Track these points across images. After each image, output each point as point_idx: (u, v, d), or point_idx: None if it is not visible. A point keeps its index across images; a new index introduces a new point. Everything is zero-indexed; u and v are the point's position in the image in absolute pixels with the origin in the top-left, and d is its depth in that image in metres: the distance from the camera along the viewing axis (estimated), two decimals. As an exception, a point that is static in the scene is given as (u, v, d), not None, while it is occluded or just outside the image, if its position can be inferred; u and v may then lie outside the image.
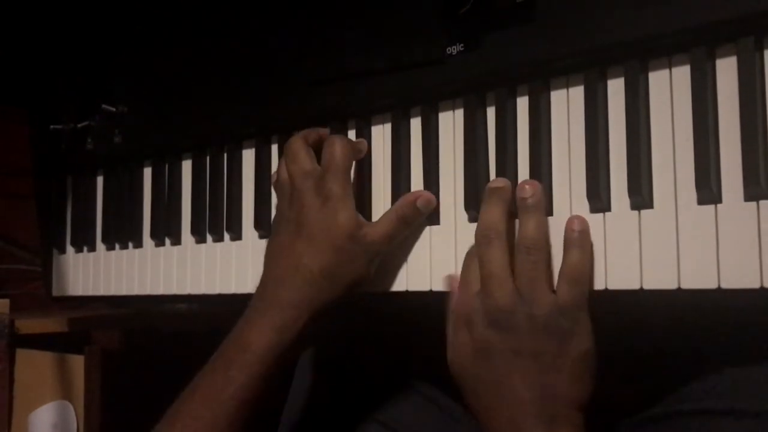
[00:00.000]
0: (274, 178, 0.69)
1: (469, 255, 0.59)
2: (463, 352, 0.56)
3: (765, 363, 0.56)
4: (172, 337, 1.06)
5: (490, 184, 0.58)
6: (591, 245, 0.54)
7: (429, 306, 0.64)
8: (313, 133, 0.69)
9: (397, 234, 0.63)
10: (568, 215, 0.56)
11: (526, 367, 0.52)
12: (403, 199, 0.64)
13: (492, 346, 0.54)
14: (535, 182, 0.56)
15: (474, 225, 0.61)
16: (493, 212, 0.56)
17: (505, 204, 0.56)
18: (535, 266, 0.53)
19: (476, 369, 0.55)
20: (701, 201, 0.51)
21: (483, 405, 0.55)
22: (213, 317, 0.71)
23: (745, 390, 0.56)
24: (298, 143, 0.67)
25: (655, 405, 0.61)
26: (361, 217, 0.64)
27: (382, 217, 0.64)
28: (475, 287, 0.56)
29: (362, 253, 0.63)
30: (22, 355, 1.03)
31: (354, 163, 0.67)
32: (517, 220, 0.57)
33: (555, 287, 0.54)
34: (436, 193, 0.64)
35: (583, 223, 0.54)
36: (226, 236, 0.80)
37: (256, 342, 0.62)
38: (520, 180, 0.59)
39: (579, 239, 0.54)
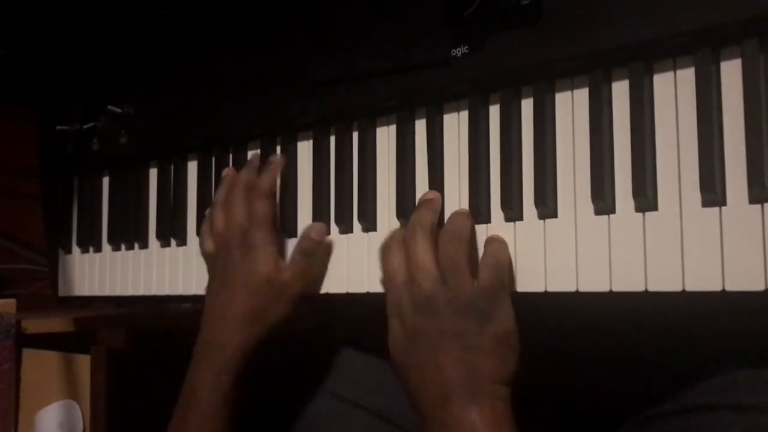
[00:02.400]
0: (206, 224, 0.76)
1: (386, 248, 0.63)
2: (396, 341, 0.60)
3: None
4: (178, 337, 1.06)
5: (424, 196, 0.63)
6: (505, 240, 0.59)
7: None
8: (252, 174, 0.75)
9: (305, 268, 0.70)
10: (573, 217, 0.57)
11: (450, 347, 0.56)
12: (302, 236, 0.71)
13: (420, 331, 0.58)
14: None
15: (477, 227, 0.62)
16: (421, 214, 0.61)
17: (431, 212, 0.62)
18: (456, 254, 0.57)
19: (408, 353, 0.59)
20: (706, 203, 0.51)
21: (414, 385, 0.59)
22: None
23: (750, 386, 0.56)
24: (237, 195, 0.73)
25: (659, 402, 0.62)
26: (282, 263, 0.71)
27: (290, 257, 0.71)
28: (399, 276, 0.60)
29: (281, 293, 0.69)
30: (29, 355, 1.04)
31: (357, 163, 0.71)
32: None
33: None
34: (441, 194, 0.64)
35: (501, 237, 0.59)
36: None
37: (199, 385, 0.70)
38: (525, 183, 0.59)
39: (497, 240, 0.59)
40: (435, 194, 0.63)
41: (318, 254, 0.70)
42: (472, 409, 0.55)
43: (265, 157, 0.77)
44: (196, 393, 0.70)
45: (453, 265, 0.57)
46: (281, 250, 0.73)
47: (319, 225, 0.71)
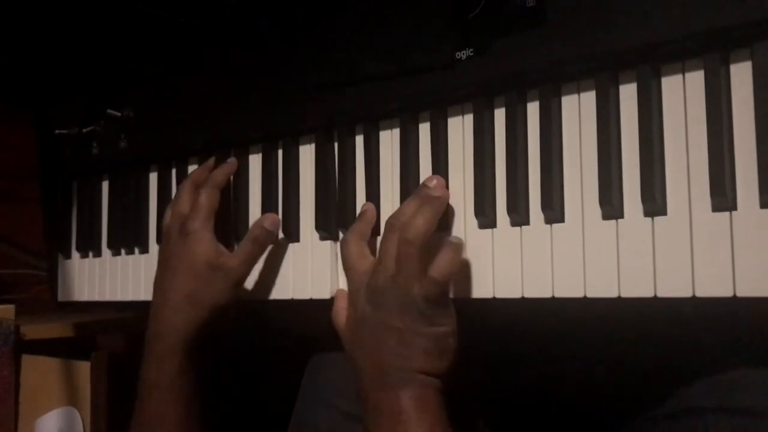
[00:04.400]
0: (164, 221, 0.78)
1: (350, 242, 0.66)
2: (348, 321, 0.65)
3: (762, 364, 0.57)
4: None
5: (426, 182, 0.63)
6: (461, 254, 0.60)
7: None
8: (203, 172, 0.79)
9: (253, 256, 0.73)
10: (581, 222, 0.56)
11: (388, 337, 0.60)
12: (254, 224, 0.74)
13: (366, 318, 0.62)
14: (442, 181, 0.63)
15: (483, 231, 0.61)
16: (409, 206, 0.62)
17: (418, 201, 0.62)
18: (408, 258, 0.59)
19: (354, 335, 0.63)
20: (716, 208, 0.50)
21: (357, 367, 0.62)
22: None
23: (741, 389, 0.57)
24: (185, 187, 0.77)
25: (654, 406, 0.62)
26: (221, 247, 0.73)
27: (240, 243, 0.74)
28: (362, 268, 0.64)
29: (222, 277, 0.71)
30: (28, 361, 1.03)
31: (364, 167, 0.70)
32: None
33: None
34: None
35: (460, 239, 0.61)
36: (234, 241, 0.80)
37: (146, 372, 0.73)
38: (531, 187, 0.59)
39: (454, 245, 0.59)
40: (442, 191, 0.64)
41: (267, 245, 0.73)
42: (400, 394, 0.58)
43: (267, 162, 0.77)
44: (145, 384, 0.72)
45: (405, 267, 0.59)
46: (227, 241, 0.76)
47: (273, 216, 0.74)
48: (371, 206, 0.68)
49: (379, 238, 0.64)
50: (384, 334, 0.60)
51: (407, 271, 0.59)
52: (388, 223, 0.63)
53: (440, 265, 0.58)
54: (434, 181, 0.63)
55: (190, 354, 0.71)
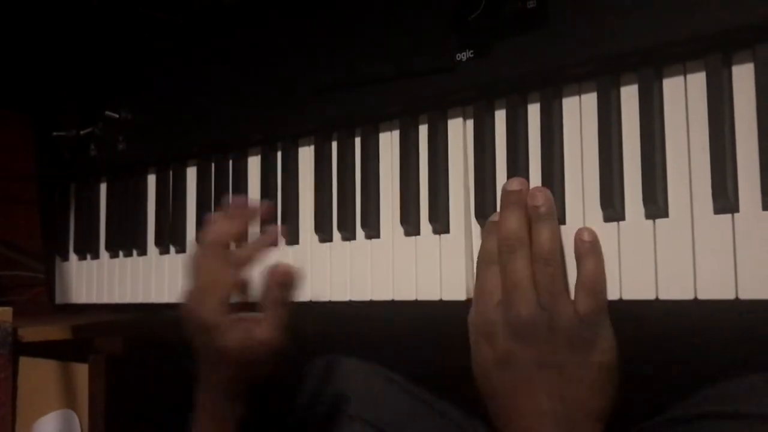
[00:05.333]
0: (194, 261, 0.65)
1: (483, 264, 0.57)
2: (485, 364, 0.56)
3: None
4: (176, 345, 1.05)
5: (506, 186, 0.56)
6: (602, 255, 0.54)
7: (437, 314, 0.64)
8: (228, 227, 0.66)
9: (280, 317, 0.61)
10: (582, 224, 0.56)
11: (548, 379, 0.52)
12: (266, 285, 0.62)
13: (514, 358, 0.54)
14: (545, 189, 0.55)
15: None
16: (512, 219, 0.55)
17: (522, 209, 0.55)
18: (553, 279, 0.52)
19: (498, 380, 0.55)
20: (718, 210, 0.50)
21: (503, 414, 0.55)
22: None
23: (747, 394, 0.55)
24: (208, 253, 0.64)
25: (658, 412, 0.61)
26: (250, 324, 0.61)
27: (264, 313, 0.62)
28: (495, 297, 0.55)
29: (260, 353, 0.61)
30: (26, 364, 1.03)
31: (360, 171, 0.69)
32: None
33: (573, 298, 0.53)
34: (446, 202, 0.64)
35: (593, 233, 0.54)
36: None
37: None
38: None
39: (591, 249, 0.53)
40: (521, 184, 0.55)
41: (288, 299, 0.62)
42: None
43: (266, 165, 0.76)
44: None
45: (552, 288, 0.52)
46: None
47: (283, 266, 0.62)
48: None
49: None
50: (542, 373, 0.52)
51: (555, 294, 0.52)
52: (502, 244, 0.54)
53: (590, 274, 0.52)
54: (516, 184, 0.55)
55: (244, 416, 0.65)
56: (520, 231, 0.54)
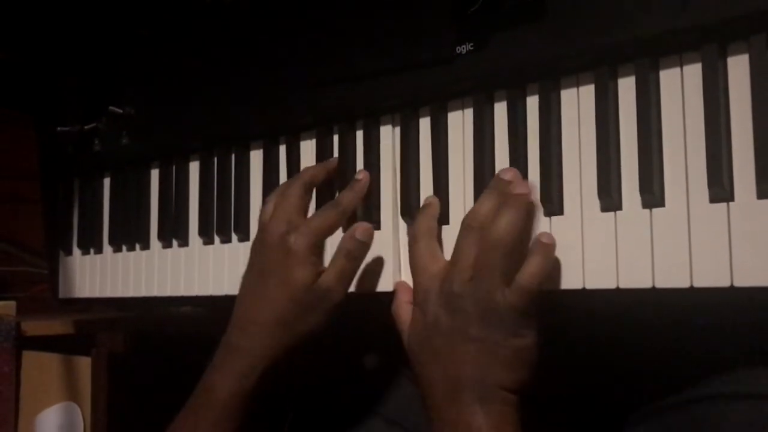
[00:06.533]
0: (263, 213, 0.69)
1: (419, 240, 0.62)
2: (416, 328, 0.60)
3: None
4: (179, 339, 1.06)
5: (500, 173, 0.59)
6: (553, 258, 0.56)
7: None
8: (319, 172, 0.71)
9: (348, 272, 0.65)
10: (579, 214, 0.56)
11: (468, 350, 0.56)
12: (344, 236, 0.66)
13: (442, 324, 0.57)
14: (529, 185, 0.58)
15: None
16: (486, 204, 0.58)
17: (501, 198, 0.58)
18: (492, 264, 0.55)
19: (425, 343, 0.59)
20: (713, 199, 0.51)
21: (426, 376, 0.59)
22: (220, 320, 0.71)
23: (749, 375, 0.57)
24: (296, 188, 0.68)
25: (663, 396, 0.62)
26: (321, 266, 0.66)
27: (331, 260, 0.66)
28: (433, 268, 0.60)
29: (319, 302, 0.65)
30: (29, 357, 1.03)
31: (363, 162, 0.70)
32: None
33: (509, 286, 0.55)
34: (446, 194, 0.64)
35: (551, 238, 0.56)
36: (234, 237, 0.80)
37: (219, 388, 0.65)
38: (531, 181, 0.59)
39: (543, 250, 0.56)
40: (513, 175, 0.58)
41: (362, 259, 0.66)
42: (478, 411, 0.55)
43: (268, 158, 0.77)
44: (214, 393, 0.66)
45: (489, 272, 0.55)
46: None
47: (364, 225, 0.66)
48: (435, 200, 0.64)
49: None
50: (462, 344, 0.56)
51: (490, 278, 0.55)
52: (464, 223, 0.58)
53: (530, 272, 0.54)
54: (509, 174, 0.58)
55: (269, 376, 0.66)
56: (486, 217, 0.57)
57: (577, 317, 0.65)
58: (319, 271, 0.65)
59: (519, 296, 0.54)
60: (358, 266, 0.66)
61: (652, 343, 0.65)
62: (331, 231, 0.67)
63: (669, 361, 0.64)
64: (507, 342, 0.55)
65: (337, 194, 0.71)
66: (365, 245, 0.66)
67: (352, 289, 0.67)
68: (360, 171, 0.69)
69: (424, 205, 0.64)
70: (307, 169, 0.71)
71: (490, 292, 0.55)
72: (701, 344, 0.62)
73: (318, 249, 0.66)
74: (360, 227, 0.65)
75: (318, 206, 0.71)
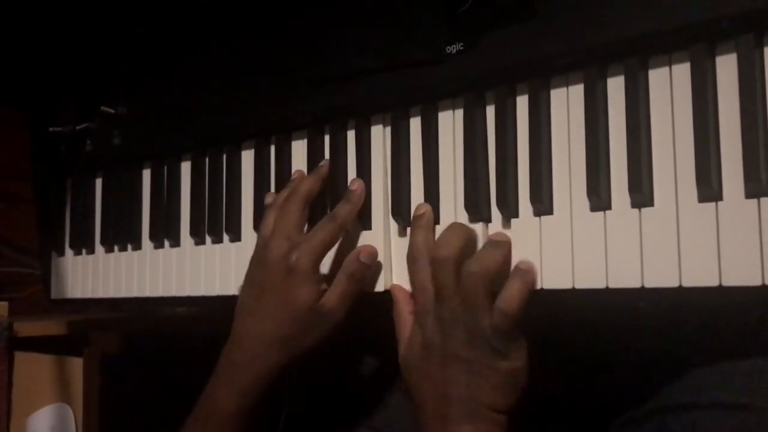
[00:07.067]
0: (264, 228, 0.69)
1: (417, 260, 0.61)
2: (413, 345, 0.61)
3: (752, 356, 0.57)
4: (172, 340, 1.06)
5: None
6: (533, 282, 0.57)
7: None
8: (315, 184, 0.70)
9: (350, 294, 0.66)
10: (569, 214, 0.56)
11: (459, 370, 0.57)
12: (349, 258, 0.66)
13: (435, 346, 0.59)
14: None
15: (474, 225, 0.61)
16: (458, 241, 0.59)
17: (463, 232, 0.60)
18: (477, 292, 0.56)
19: (418, 363, 0.60)
20: (702, 198, 0.51)
21: (418, 393, 0.60)
22: (212, 321, 0.71)
23: (733, 383, 0.57)
24: (295, 204, 0.68)
25: (644, 402, 0.62)
26: (323, 286, 0.66)
27: (334, 281, 0.66)
28: (431, 291, 0.60)
29: (320, 322, 0.65)
30: (21, 358, 1.03)
31: (356, 162, 0.70)
32: None
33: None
34: (436, 193, 0.64)
35: (529, 264, 0.57)
36: (226, 238, 0.80)
37: (221, 401, 0.67)
38: (520, 180, 0.59)
39: (521, 275, 0.56)
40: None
41: (364, 281, 0.66)
42: (465, 428, 0.57)
43: (260, 158, 0.77)
44: (217, 406, 0.67)
45: (474, 300, 0.56)
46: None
47: (369, 248, 0.66)
48: (428, 208, 0.63)
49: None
50: (453, 365, 0.57)
51: (475, 306, 0.56)
52: (438, 257, 0.58)
53: (509, 297, 0.55)
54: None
55: (270, 390, 0.67)
56: (462, 254, 0.58)
57: (561, 319, 0.65)
58: (321, 290, 0.66)
59: (501, 320, 0.55)
60: (361, 288, 0.67)
61: (630, 351, 0.66)
62: (331, 245, 0.67)
63: (647, 369, 0.64)
64: (496, 365, 0.56)
65: (327, 195, 0.71)
66: (369, 268, 0.66)
67: None
68: (354, 180, 0.69)
69: (416, 216, 0.63)
70: (303, 181, 0.70)
71: (477, 319, 0.56)
72: (685, 348, 0.62)
73: (319, 266, 0.66)
74: (365, 250, 0.66)
75: (311, 212, 0.71)
